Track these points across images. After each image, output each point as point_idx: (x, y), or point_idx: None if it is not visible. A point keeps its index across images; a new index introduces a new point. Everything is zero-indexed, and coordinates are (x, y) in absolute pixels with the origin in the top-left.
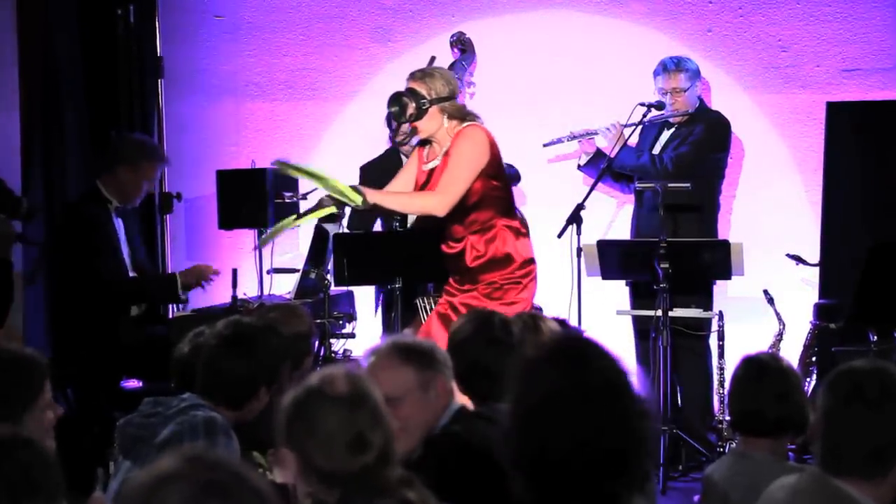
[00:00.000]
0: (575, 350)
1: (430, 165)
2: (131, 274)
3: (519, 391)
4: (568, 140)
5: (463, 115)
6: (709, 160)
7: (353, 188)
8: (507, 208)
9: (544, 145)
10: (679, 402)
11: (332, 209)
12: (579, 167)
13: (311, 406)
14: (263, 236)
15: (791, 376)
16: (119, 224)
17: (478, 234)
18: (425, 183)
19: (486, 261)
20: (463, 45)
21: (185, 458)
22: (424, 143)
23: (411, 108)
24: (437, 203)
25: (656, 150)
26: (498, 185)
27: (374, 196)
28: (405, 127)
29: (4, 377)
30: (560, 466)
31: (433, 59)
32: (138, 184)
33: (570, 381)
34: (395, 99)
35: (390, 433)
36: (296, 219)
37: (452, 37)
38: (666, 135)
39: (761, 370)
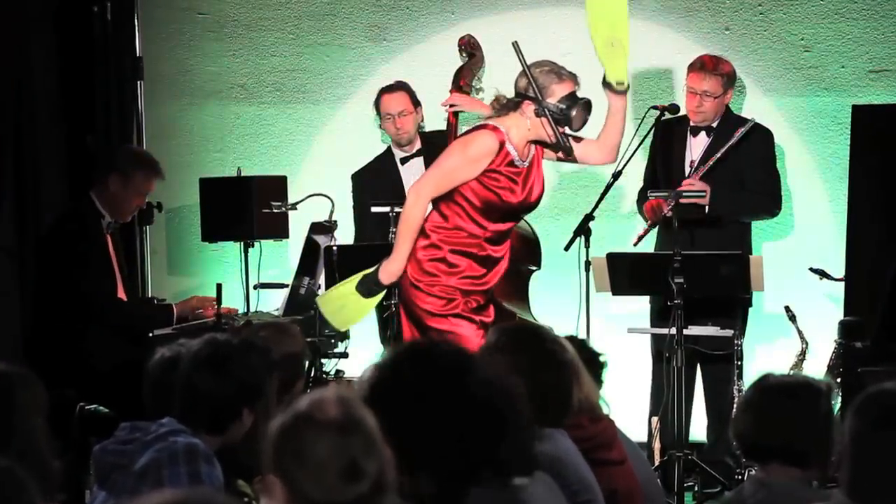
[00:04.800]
0: (419, 348)
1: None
2: (121, 294)
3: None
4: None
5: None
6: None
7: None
8: None
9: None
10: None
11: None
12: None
13: (300, 432)
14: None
15: (808, 400)
16: (108, 241)
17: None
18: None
19: None
20: (472, 50)
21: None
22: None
23: None
24: None
25: (696, 155)
26: None
27: None
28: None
29: None
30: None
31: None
32: (129, 196)
33: (414, 373)
34: None
35: (385, 460)
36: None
37: (461, 40)
38: (701, 141)
39: (775, 391)
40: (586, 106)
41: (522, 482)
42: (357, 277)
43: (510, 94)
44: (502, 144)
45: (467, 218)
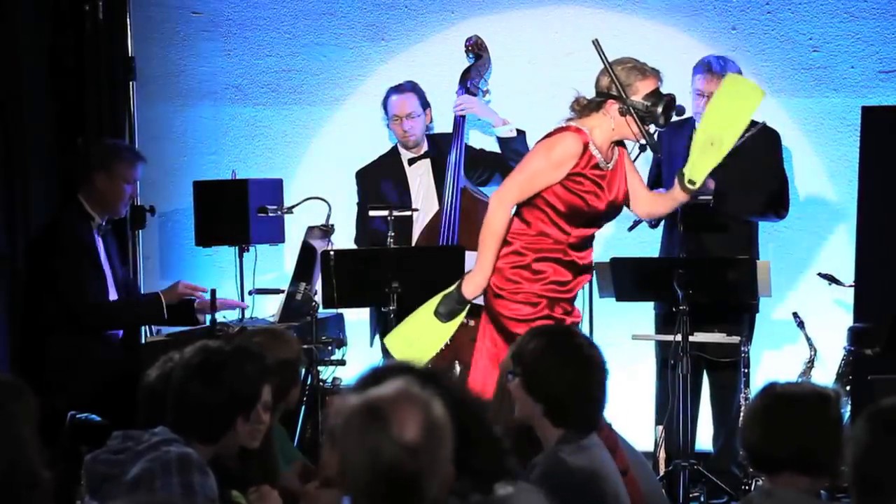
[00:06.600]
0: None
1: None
2: (114, 296)
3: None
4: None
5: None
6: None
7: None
8: None
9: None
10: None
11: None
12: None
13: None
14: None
15: (816, 408)
16: (100, 243)
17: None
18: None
19: None
20: (478, 51)
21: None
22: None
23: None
24: None
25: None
26: None
27: None
28: (414, 127)
29: None
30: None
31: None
32: (118, 189)
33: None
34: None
35: (445, 482)
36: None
37: (468, 41)
38: None
39: (782, 401)
40: (672, 102)
41: (507, 491)
42: (431, 304)
43: (514, 94)
44: (586, 146)
45: (550, 223)
